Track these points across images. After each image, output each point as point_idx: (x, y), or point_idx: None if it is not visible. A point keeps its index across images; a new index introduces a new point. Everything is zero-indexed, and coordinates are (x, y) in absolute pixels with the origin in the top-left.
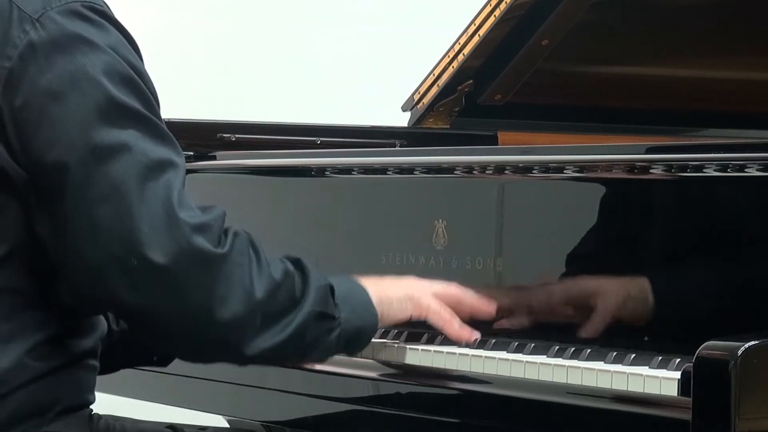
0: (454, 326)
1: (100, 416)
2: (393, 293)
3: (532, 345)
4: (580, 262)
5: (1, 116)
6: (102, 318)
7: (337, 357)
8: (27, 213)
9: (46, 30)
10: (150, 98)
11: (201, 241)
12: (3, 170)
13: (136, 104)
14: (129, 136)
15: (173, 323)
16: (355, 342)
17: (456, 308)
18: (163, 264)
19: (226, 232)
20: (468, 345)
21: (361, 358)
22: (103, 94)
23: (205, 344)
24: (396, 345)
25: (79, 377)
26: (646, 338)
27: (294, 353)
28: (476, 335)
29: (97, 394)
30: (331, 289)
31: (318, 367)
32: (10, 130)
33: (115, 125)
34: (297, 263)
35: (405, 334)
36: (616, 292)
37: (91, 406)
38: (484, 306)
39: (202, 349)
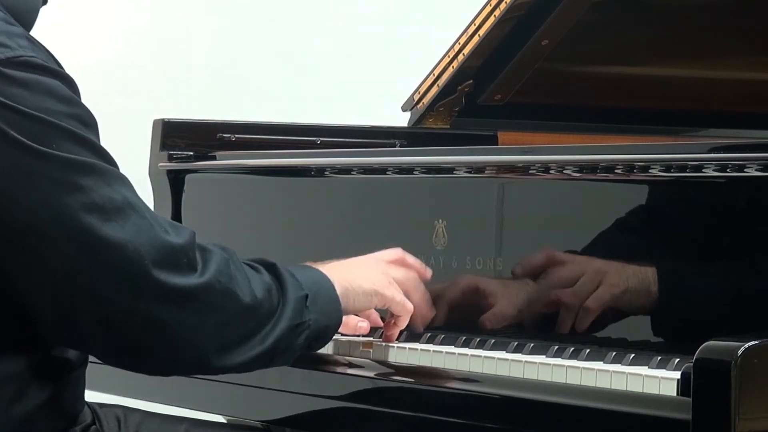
0: (414, 319)
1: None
2: (358, 285)
3: (531, 345)
4: (579, 262)
5: None
6: None
7: (337, 357)
8: None
9: None
10: (92, 142)
11: (176, 279)
12: None
13: (80, 155)
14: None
15: (150, 356)
16: (319, 339)
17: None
18: (139, 309)
19: (204, 255)
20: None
21: (361, 358)
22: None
23: (179, 366)
24: (395, 345)
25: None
26: (645, 338)
27: (263, 365)
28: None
29: (97, 394)
30: (306, 298)
31: (318, 366)
32: None
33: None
34: (272, 269)
35: (405, 333)
36: (614, 288)
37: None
38: (424, 272)
39: (177, 369)
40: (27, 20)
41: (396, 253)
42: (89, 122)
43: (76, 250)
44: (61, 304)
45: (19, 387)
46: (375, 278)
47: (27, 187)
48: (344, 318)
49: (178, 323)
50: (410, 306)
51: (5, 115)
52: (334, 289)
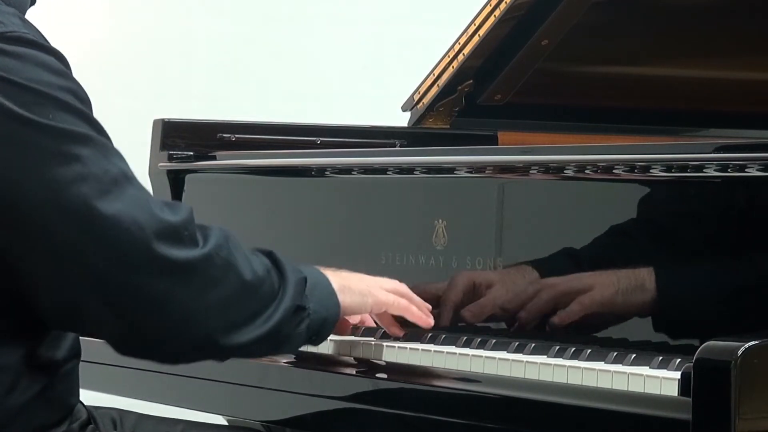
0: (414, 311)
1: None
2: (354, 285)
3: (533, 345)
4: (579, 262)
5: None
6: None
7: (338, 357)
8: None
9: None
10: (84, 112)
11: (177, 249)
12: None
13: (76, 127)
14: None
15: (157, 336)
16: (319, 333)
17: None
18: (140, 283)
19: (204, 231)
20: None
21: (361, 357)
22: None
23: (185, 347)
24: (396, 345)
25: (61, 387)
26: (646, 338)
27: (269, 348)
28: (432, 321)
29: (97, 394)
30: (305, 281)
31: (318, 366)
32: None
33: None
34: (270, 256)
35: (405, 334)
36: (613, 288)
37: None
38: (425, 310)
39: (184, 352)
40: (20, 5)
41: (394, 283)
42: (83, 97)
43: (73, 223)
44: (62, 283)
45: (12, 378)
46: (368, 281)
47: (22, 159)
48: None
49: (181, 298)
50: (404, 302)
51: (0, 86)
52: (330, 284)
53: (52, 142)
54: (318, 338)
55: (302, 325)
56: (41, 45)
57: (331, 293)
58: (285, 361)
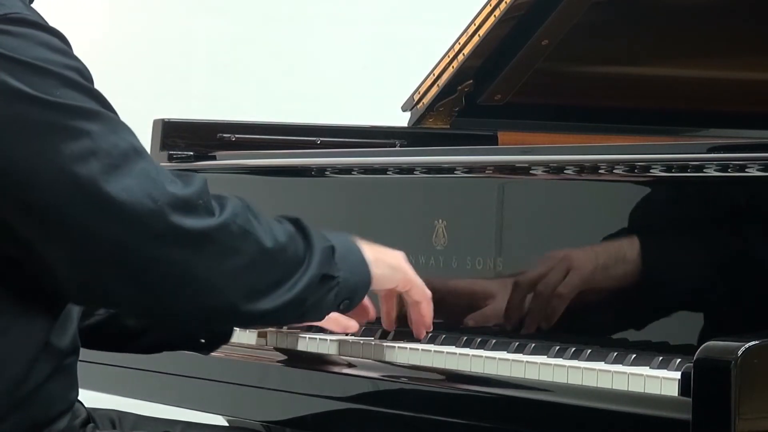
0: (426, 306)
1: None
2: (385, 257)
3: (533, 345)
4: (579, 262)
5: None
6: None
7: (338, 357)
8: None
9: None
10: (90, 88)
11: (192, 218)
12: None
13: (83, 103)
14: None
15: (179, 305)
16: (350, 300)
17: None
18: (158, 255)
19: (220, 200)
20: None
21: (362, 358)
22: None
23: (209, 314)
24: (396, 345)
25: (64, 378)
26: (646, 338)
27: (294, 315)
28: (423, 334)
29: (97, 394)
30: (333, 249)
31: (318, 366)
32: None
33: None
34: (297, 223)
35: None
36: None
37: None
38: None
39: (207, 318)
40: None
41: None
42: (87, 75)
43: (85, 199)
44: (80, 258)
45: (24, 367)
46: (400, 258)
47: (31, 138)
48: (334, 315)
49: (199, 267)
50: (429, 292)
51: (5, 65)
52: (362, 252)
53: (60, 118)
54: (348, 306)
55: (331, 294)
56: (43, 25)
57: (363, 261)
58: (285, 361)
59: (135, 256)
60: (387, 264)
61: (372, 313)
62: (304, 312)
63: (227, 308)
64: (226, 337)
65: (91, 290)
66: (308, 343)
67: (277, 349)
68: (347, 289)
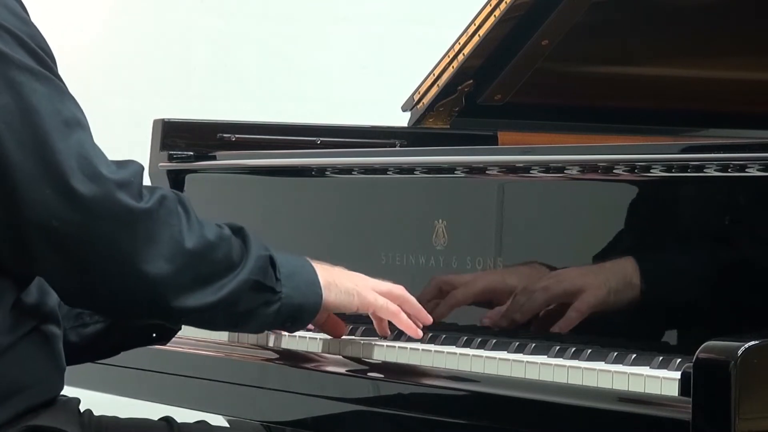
0: (403, 317)
1: (91, 413)
2: (341, 282)
3: (533, 345)
4: (579, 262)
5: None
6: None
7: (339, 357)
8: None
9: None
10: (43, 56)
11: (122, 197)
12: None
13: (31, 63)
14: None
15: (96, 274)
16: (295, 319)
17: (401, 307)
18: (82, 219)
19: (151, 190)
20: (420, 339)
21: (362, 357)
22: None
23: (131, 299)
24: (396, 346)
25: (42, 347)
26: (646, 338)
27: (225, 320)
28: (420, 332)
29: (97, 394)
30: (272, 260)
31: (318, 367)
32: None
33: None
34: (238, 231)
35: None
36: (608, 288)
37: (82, 405)
38: (423, 315)
39: (131, 305)
40: None
41: (390, 286)
42: (45, 48)
43: (28, 150)
44: (10, 213)
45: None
46: (357, 281)
47: None
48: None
49: (122, 241)
50: (394, 307)
51: None
52: (316, 275)
53: (11, 71)
54: (294, 325)
55: (270, 308)
56: None
57: (313, 283)
58: (285, 361)
59: (61, 220)
60: (342, 289)
61: (342, 329)
62: (238, 319)
63: (152, 297)
64: (173, 330)
65: (20, 253)
66: (308, 343)
67: (277, 349)
68: (291, 307)
